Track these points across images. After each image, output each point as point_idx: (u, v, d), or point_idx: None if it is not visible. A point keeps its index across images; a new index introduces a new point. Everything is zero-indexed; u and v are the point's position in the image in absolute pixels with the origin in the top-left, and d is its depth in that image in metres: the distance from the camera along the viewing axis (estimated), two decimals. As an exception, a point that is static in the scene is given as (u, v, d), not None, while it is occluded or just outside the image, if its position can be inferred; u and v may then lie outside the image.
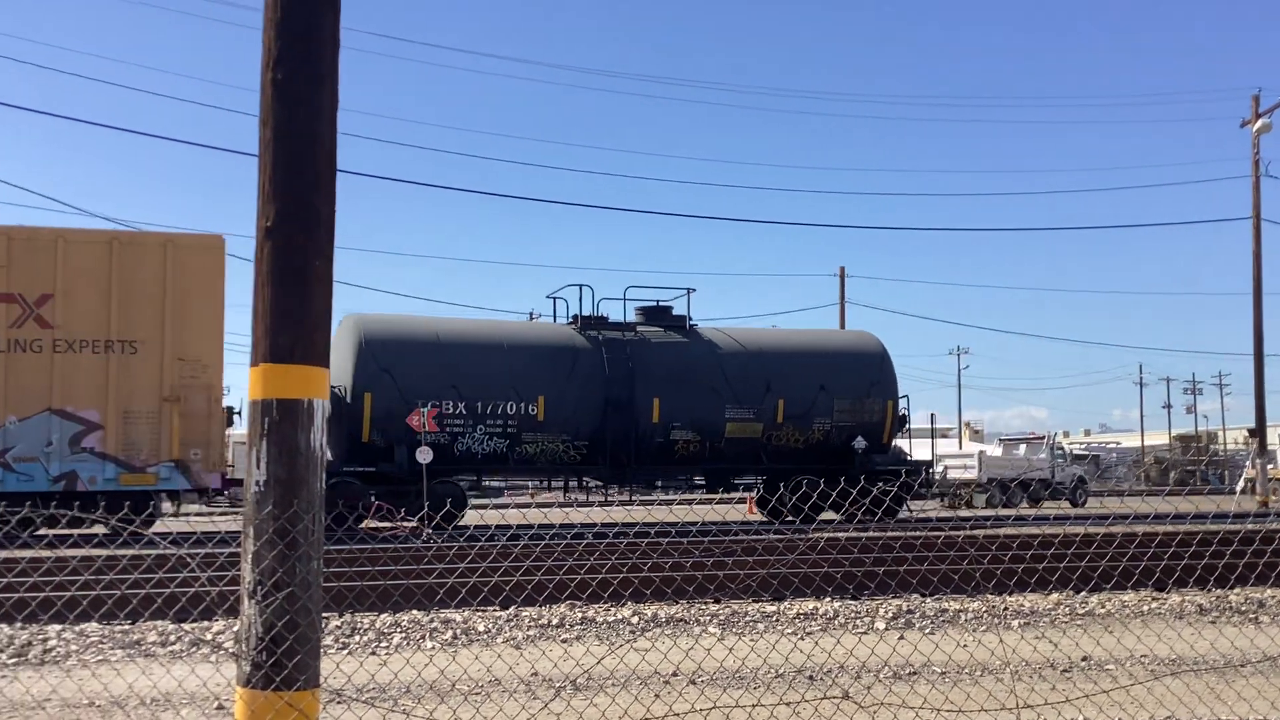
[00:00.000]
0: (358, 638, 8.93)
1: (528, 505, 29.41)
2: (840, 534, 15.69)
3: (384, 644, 8.77)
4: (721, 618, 10.05)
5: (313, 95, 4.32)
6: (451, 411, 22.80)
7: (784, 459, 25.31)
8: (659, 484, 29.03)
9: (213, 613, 9.17)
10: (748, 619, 9.99)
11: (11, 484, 18.72)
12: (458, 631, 9.28)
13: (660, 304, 26.40)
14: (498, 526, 21.29)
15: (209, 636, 8.68)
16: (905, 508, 26.31)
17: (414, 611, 10.16)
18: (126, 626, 8.75)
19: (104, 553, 9.53)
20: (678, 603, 10.81)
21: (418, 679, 6.93)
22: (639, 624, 9.78)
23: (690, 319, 26.14)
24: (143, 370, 19.62)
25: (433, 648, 8.68)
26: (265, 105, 4.31)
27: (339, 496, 20.05)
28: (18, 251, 19.43)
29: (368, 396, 22.24)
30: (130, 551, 10.42)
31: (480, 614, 10.04)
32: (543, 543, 12.08)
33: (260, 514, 4.34)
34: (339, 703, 6.28)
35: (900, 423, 26.90)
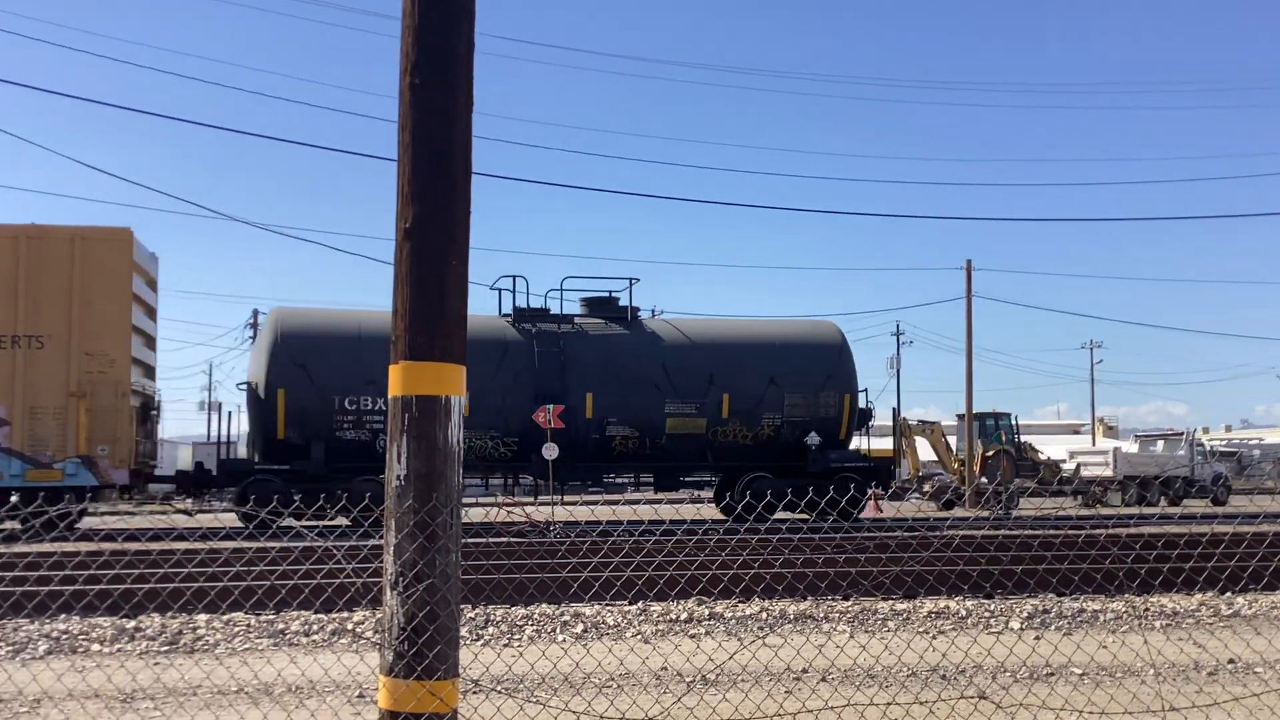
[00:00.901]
0: (492, 629, 9.10)
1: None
2: (976, 532, 15.41)
3: (517, 636, 8.91)
4: (851, 615, 9.97)
5: (448, 99, 4.42)
6: (370, 408, 22.18)
7: (732, 456, 24.27)
8: (600, 481, 27.63)
9: (356, 603, 9.44)
10: (879, 616, 9.89)
11: None
12: (588, 625, 9.38)
13: (611, 294, 25.11)
14: (611, 521, 21.42)
15: (350, 626, 8.94)
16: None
17: (545, 605, 10.30)
18: (271, 616, 9.07)
19: (254, 545, 9.89)
20: (807, 599, 10.75)
21: (551, 671, 7.03)
22: (768, 620, 9.75)
23: (637, 309, 24.99)
24: (49, 365, 19.48)
25: (565, 640, 8.79)
26: (403, 110, 4.42)
27: (257, 495, 19.40)
28: None
29: (281, 393, 21.79)
30: (279, 544, 10.79)
31: (610, 608, 10.13)
32: (674, 538, 12.13)
33: (401, 507, 4.46)
34: (476, 692, 6.41)
35: (862, 417, 25.27)
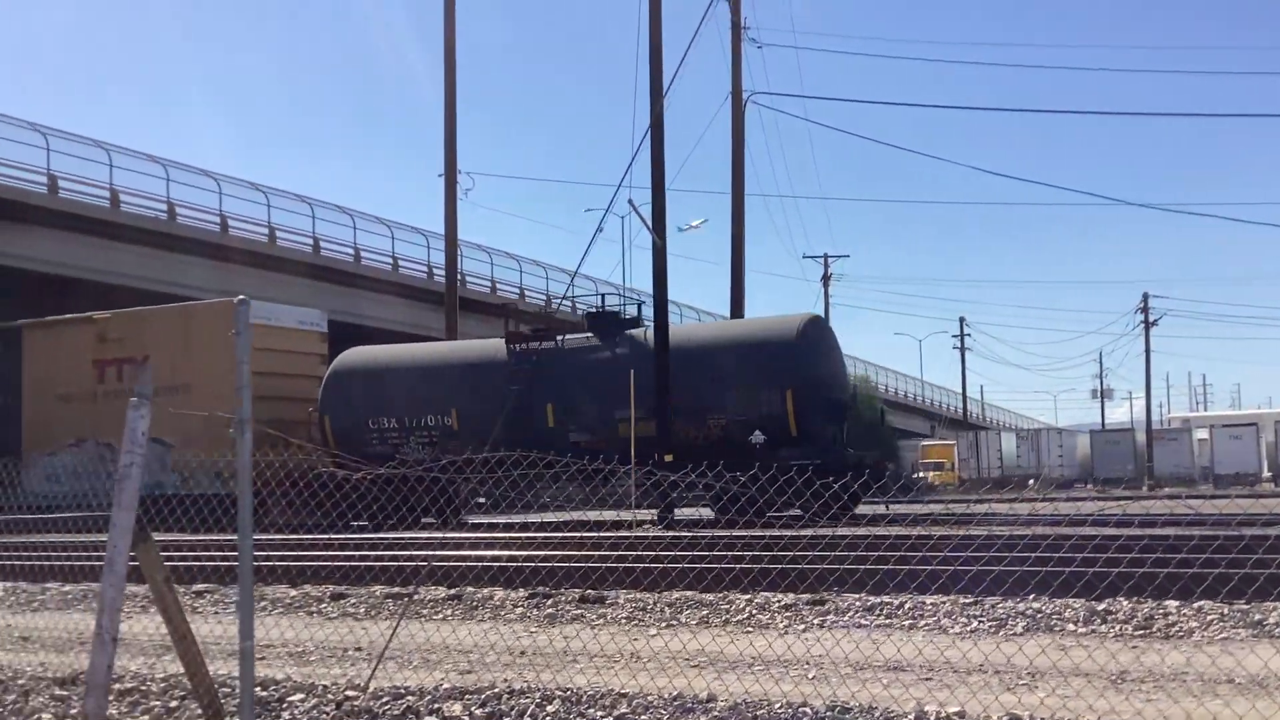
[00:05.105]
0: None
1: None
2: None
3: None
4: None
5: None
6: (387, 426, 27.22)
7: (685, 456, 22.23)
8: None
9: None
10: None
11: None
12: None
13: (613, 309, 27.81)
14: None
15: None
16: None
17: None
18: (1244, 606, 8.63)
19: (1224, 533, 9.55)
20: None
21: None
22: None
23: (632, 321, 27.31)
24: (195, 405, 25.13)
25: None
26: None
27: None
28: (131, 327, 29.14)
29: (326, 418, 27.58)
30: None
31: None
32: None
33: None
34: None
35: (828, 410, 24.78)
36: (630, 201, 26.78)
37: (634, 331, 26.65)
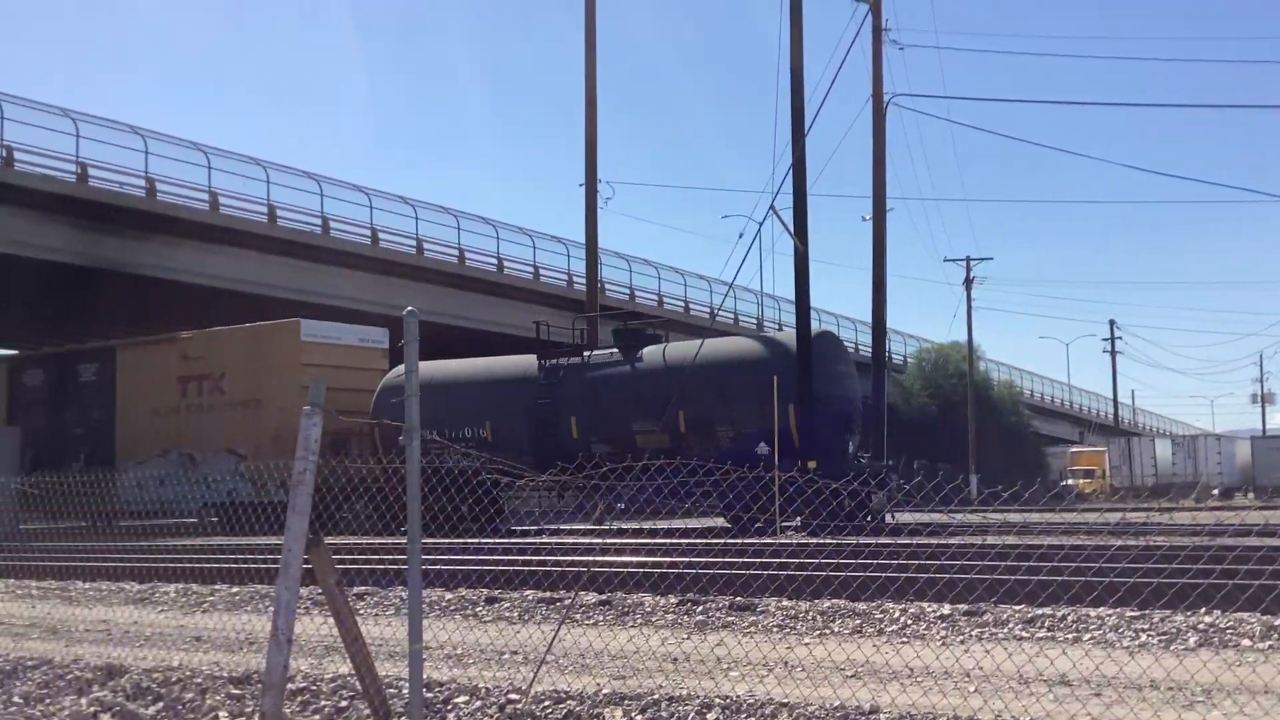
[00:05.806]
0: None
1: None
2: None
3: None
4: None
5: None
6: (429, 437, 30.16)
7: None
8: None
9: None
10: None
11: (211, 496, 28.72)
12: None
13: (637, 326, 29.66)
14: None
15: None
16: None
17: None
18: None
19: None
20: None
21: None
22: None
23: (656, 337, 28.59)
24: (265, 418, 28.36)
25: None
26: None
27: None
28: (210, 346, 31.04)
29: (376, 430, 28.23)
30: None
31: None
32: None
33: None
34: None
35: (834, 422, 25.29)
36: (773, 208, 26.68)
37: (653, 347, 27.94)
